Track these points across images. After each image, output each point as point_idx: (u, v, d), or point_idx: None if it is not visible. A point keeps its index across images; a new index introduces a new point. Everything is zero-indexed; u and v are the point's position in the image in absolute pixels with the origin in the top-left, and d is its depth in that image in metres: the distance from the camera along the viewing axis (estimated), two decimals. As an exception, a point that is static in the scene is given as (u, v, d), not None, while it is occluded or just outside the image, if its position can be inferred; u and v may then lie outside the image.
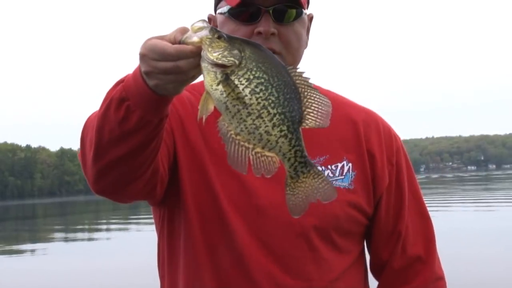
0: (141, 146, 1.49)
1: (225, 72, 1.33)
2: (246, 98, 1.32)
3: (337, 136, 1.85)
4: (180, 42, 1.35)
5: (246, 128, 1.33)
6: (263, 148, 1.35)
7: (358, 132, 1.88)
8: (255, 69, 1.33)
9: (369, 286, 1.96)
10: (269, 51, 1.38)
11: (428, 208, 1.98)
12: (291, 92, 1.34)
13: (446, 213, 22.26)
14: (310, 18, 1.91)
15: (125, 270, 13.15)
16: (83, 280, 12.47)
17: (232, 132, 1.34)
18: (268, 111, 1.33)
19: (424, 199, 1.98)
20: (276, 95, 1.33)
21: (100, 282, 12.11)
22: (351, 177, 1.83)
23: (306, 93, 1.36)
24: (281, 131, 1.34)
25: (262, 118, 1.33)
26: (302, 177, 1.38)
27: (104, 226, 29.58)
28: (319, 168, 1.77)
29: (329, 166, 1.82)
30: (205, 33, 1.34)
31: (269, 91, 1.33)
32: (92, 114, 1.60)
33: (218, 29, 1.38)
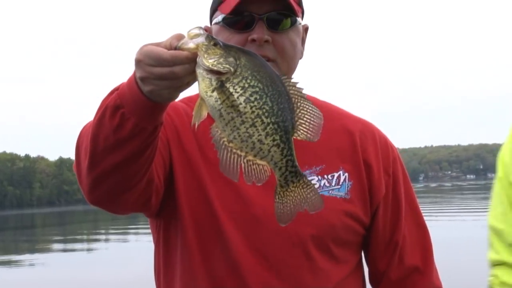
0: (136, 153, 1.49)
1: (220, 79, 1.33)
2: (240, 106, 1.33)
3: (334, 146, 1.86)
4: (176, 48, 1.36)
5: (239, 136, 1.34)
6: (255, 156, 1.36)
7: (355, 142, 1.88)
8: (250, 77, 1.34)
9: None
10: (264, 60, 1.39)
11: (426, 217, 1.98)
12: (284, 102, 1.35)
13: (445, 222, 22.26)
14: (306, 28, 1.92)
15: (124, 280, 13.13)
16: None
17: (225, 139, 1.35)
18: (262, 120, 1.34)
19: (422, 208, 1.98)
20: (270, 104, 1.34)
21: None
22: (348, 186, 1.83)
23: (299, 104, 1.37)
24: (273, 140, 1.35)
25: (255, 126, 1.34)
26: (291, 186, 1.40)
27: (103, 237, 29.56)
28: (312, 178, 1.78)
29: (325, 176, 1.82)
30: (201, 39, 1.35)
31: (264, 100, 1.34)
32: (87, 124, 1.60)
33: None
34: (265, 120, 1.34)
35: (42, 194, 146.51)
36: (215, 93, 1.33)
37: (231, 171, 1.35)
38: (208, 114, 1.36)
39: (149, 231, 1.92)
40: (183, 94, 1.51)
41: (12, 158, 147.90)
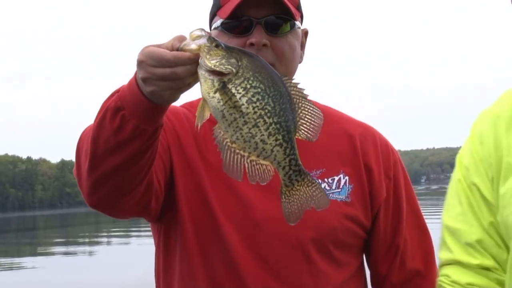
0: (136, 155, 1.49)
1: (222, 80, 1.34)
2: (243, 107, 1.34)
3: (334, 149, 1.86)
4: (178, 50, 1.37)
5: (242, 136, 1.35)
6: (258, 156, 1.36)
7: (355, 146, 1.88)
8: (252, 78, 1.35)
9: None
10: (265, 62, 1.40)
11: (428, 220, 1.98)
12: (286, 102, 1.36)
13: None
14: (305, 33, 1.92)
15: (125, 283, 13.13)
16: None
17: (228, 140, 1.36)
18: (264, 120, 1.35)
19: (424, 210, 1.97)
20: (272, 104, 1.35)
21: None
22: (348, 190, 1.83)
23: (300, 104, 1.38)
24: (276, 140, 1.36)
25: (258, 127, 1.34)
26: (296, 185, 1.40)
27: (105, 239, 29.57)
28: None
29: (325, 179, 1.82)
30: (203, 41, 1.36)
31: (266, 100, 1.34)
32: (87, 127, 1.61)
33: None
34: (267, 120, 1.35)
35: (44, 196, 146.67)
36: (217, 94, 1.34)
37: (234, 171, 1.36)
38: (210, 116, 1.37)
39: (151, 233, 1.93)
40: (184, 97, 1.52)
41: (14, 161, 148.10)
